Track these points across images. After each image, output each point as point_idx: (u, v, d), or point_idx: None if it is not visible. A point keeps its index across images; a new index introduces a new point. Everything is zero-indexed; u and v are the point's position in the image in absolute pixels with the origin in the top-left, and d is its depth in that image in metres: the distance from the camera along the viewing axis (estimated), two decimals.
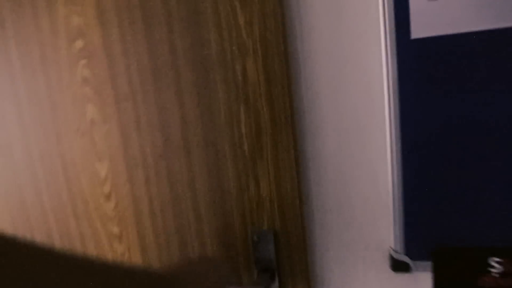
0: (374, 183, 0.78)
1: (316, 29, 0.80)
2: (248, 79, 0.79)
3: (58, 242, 1.08)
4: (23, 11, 0.97)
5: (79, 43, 0.93)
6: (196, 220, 0.89)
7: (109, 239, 1.01)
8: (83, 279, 0.30)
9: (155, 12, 0.84)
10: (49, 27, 0.96)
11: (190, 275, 0.47)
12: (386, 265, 0.80)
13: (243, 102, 0.80)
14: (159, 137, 0.89)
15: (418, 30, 0.71)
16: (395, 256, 0.77)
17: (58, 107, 0.99)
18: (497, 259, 0.71)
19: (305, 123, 0.83)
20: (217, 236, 0.88)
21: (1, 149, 1.07)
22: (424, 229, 0.74)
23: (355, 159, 0.79)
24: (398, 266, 0.77)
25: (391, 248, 0.77)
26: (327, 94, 0.79)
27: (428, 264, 0.74)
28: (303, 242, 0.81)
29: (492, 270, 0.72)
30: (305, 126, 0.83)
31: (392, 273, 0.79)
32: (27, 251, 0.27)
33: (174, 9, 0.83)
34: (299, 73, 0.82)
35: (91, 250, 1.04)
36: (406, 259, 0.76)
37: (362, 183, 0.79)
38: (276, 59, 0.77)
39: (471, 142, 0.71)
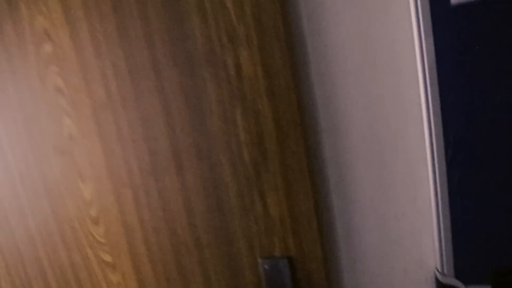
0: (412, 192, 0.66)
1: (326, 4, 0.64)
2: (243, 75, 0.64)
3: (49, 271, 0.96)
4: None
5: (47, 47, 0.80)
6: (195, 246, 0.75)
7: (102, 268, 0.88)
8: None
9: (126, 2, 0.70)
10: (13, 30, 0.82)
11: None
12: None
13: (239, 103, 0.65)
14: (145, 151, 0.75)
15: None
16: (442, 279, 0.65)
17: (32, 122, 0.87)
18: None
19: (320, 124, 0.68)
20: (221, 264, 0.74)
21: None
22: (479, 246, 0.62)
23: (387, 163, 0.67)
24: None
25: (437, 270, 0.65)
26: (347, 86, 0.66)
27: None
28: (324, 269, 0.66)
29: None
30: (320, 127, 0.68)
31: None
32: None
33: None
34: (308, 62, 0.66)
35: (84, 280, 0.92)
36: (456, 283, 0.64)
37: (397, 193, 0.67)
38: (275, 47, 0.61)
39: None
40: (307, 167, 0.65)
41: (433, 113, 0.60)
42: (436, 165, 0.61)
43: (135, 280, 0.85)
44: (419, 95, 0.61)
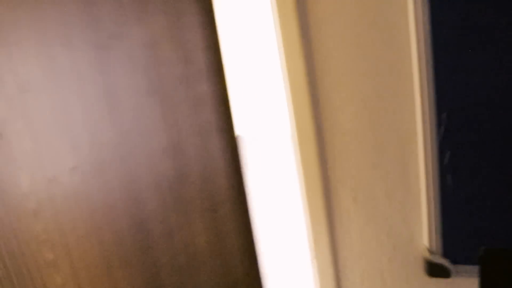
0: (403, 169, 0.64)
1: None
2: (159, 54, 0.49)
3: (7, 261, 0.84)
4: None
5: None
6: (122, 263, 0.64)
7: (46, 266, 0.77)
8: None
9: None
10: None
11: None
12: (419, 268, 0.68)
13: (156, 92, 0.51)
14: (68, 143, 0.63)
15: None
16: (431, 258, 0.65)
17: None
18: None
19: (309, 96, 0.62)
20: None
21: None
22: (468, 226, 0.63)
23: (377, 139, 0.64)
24: (434, 270, 0.65)
25: (425, 248, 0.66)
26: (335, 57, 0.60)
27: (473, 268, 0.63)
28: None
29: None
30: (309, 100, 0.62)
31: (427, 278, 0.68)
32: None
33: None
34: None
35: (27, 279, 0.80)
36: (444, 261, 0.64)
37: (387, 169, 0.65)
38: (200, 16, 0.48)
39: None
40: (243, 185, 0.53)
41: (427, 91, 0.55)
42: (428, 143, 0.58)
43: (78, 285, 0.74)
44: (412, 70, 0.56)
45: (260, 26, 0.60)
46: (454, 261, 0.63)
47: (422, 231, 0.65)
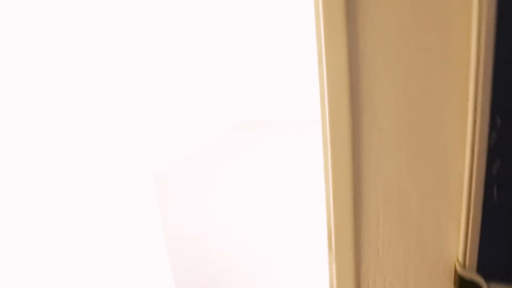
0: (443, 173, 0.58)
1: None
2: None
3: None
4: None
5: None
6: None
7: None
8: None
9: None
10: None
11: None
12: (448, 281, 0.63)
13: None
14: None
15: None
16: (461, 272, 0.60)
17: None
18: None
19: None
20: None
21: None
22: (508, 242, 0.56)
23: (419, 136, 0.58)
24: (465, 286, 0.60)
25: (458, 261, 0.61)
26: (380, 46, 0.54)
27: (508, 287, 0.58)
28: None
29: None
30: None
31: None
32: None
33: None
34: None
35: None
36: (476, 277, 0.59)
37: (426, 171, 0.59)
38: None
39: None
40: None
41: (482, 89, 0.49)
42: (476, 148, 0.52)
43: None
44: (469, 66, 0.50)
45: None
46: (488, 278, 0.59)
47: (456, 243, 0.60)
